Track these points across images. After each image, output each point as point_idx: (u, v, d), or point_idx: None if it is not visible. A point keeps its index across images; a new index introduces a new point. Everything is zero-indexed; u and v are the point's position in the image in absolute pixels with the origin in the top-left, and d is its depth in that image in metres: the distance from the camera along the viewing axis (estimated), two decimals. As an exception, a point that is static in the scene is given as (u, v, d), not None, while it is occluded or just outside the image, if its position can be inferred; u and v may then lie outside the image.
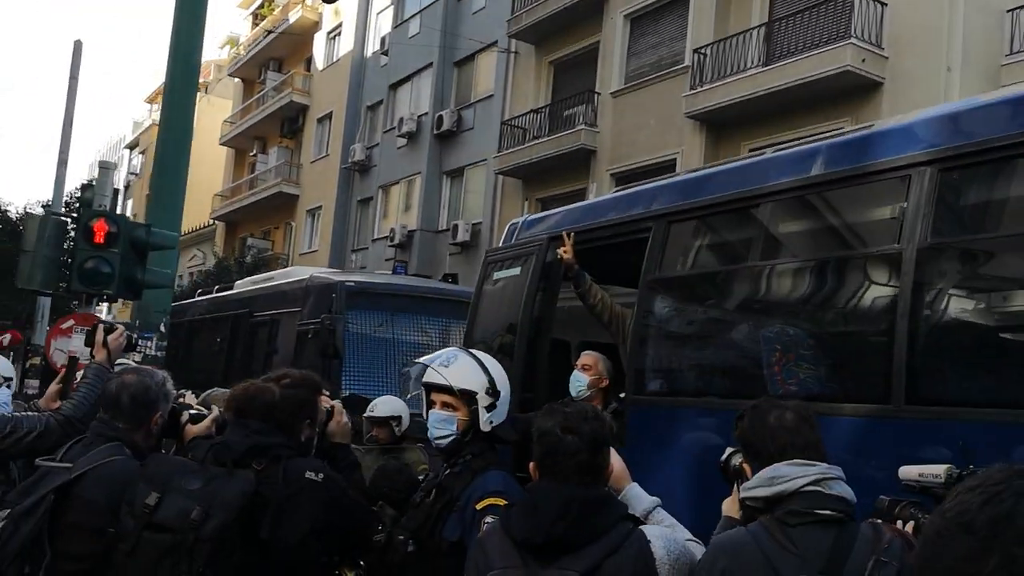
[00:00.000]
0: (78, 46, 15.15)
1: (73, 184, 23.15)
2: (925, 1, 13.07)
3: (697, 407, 4.31)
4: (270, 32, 34.65)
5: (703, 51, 15.41)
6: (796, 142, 5.16)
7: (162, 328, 8.35)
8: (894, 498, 2.34)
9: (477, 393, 2.90)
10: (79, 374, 3.68)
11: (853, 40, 12.97)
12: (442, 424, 2.93)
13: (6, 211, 24.73)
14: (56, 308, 17.07)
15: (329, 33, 31.72)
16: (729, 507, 2.48)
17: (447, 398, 2.93)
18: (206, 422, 3.43)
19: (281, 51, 34.89)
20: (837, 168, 3.86)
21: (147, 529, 2.63)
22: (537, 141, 19.15)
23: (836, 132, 5.40)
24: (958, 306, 3.48)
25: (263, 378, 3.21)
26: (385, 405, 6.07)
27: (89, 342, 3.65)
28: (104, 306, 36.51)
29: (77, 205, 11.06)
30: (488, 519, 2.60)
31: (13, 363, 17.51)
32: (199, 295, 14.48)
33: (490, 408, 2.90)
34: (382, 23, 28.14)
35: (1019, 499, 1.02)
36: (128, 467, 2.90)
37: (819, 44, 13.59)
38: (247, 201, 33.96)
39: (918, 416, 3.23)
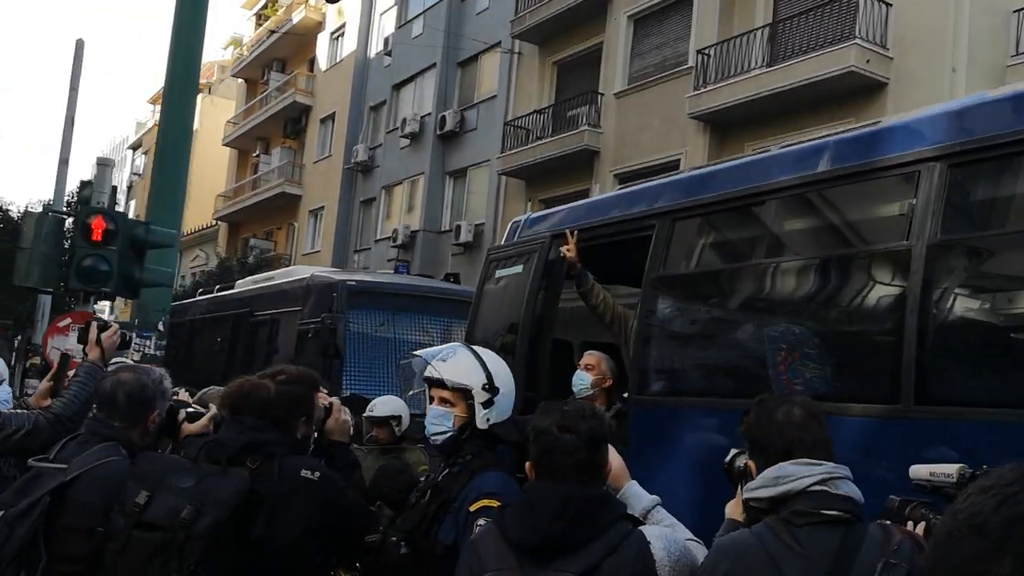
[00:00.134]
0: (80, 45, 15.14)
1: (75, 183, 23.10)
2: (930, 1, 13.02)
3: (701, 407, 4.26)
4: (273, 32, 34.69)
5: (707, 52, 15.36)
6: (800, 143, 5.10)
7: (161, 327, 8.30)
8: (904, 498, 2.27)
9: (473, 389, 2.83)
10: (72, 372, 3.63)
11: (858, 41, 12.92)
12: (438, 420, 2.86)
13: (7, 211, 24.69)
14: (57, 307, 17.02)
15: (332, 33, 31.74)
16: (733, 509, 2.42)
17: (444, 394, 2.87)
18: (203, 420, 3.38)
19: (284, 51, 34.93)
20: (845, 164, 3.80)
21: (137, 528, 2.57)
22: (540, 142, 19.13)
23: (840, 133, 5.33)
24: (969, 304, 3.42)
25: (259, 374, 3.16)
26: (385, 405, 6.01)
27: (82, 340, 3.60)
28: (106, 305, 36.59)
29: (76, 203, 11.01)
30: (481, 522, 2.54)
31: (15, 363, 17.45)
32: (200, 295, 14.46)
33: (487, 405, 2.82)
34: (385, 23, 28.16)
35: None
36: (124, 468, 2.85)
37: (823, 45, 13.54)
38: (250, 201, 34.02)
39: (928, 416, 3.16)
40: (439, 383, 2.87)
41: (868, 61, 12.92)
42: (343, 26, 30.84)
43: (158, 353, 8.11)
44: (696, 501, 3.72)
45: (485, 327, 5.76)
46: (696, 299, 4.73)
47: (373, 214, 26.56)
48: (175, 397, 3.53)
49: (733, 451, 2.47)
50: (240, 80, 39.05)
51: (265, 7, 39.56)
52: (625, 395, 4.60)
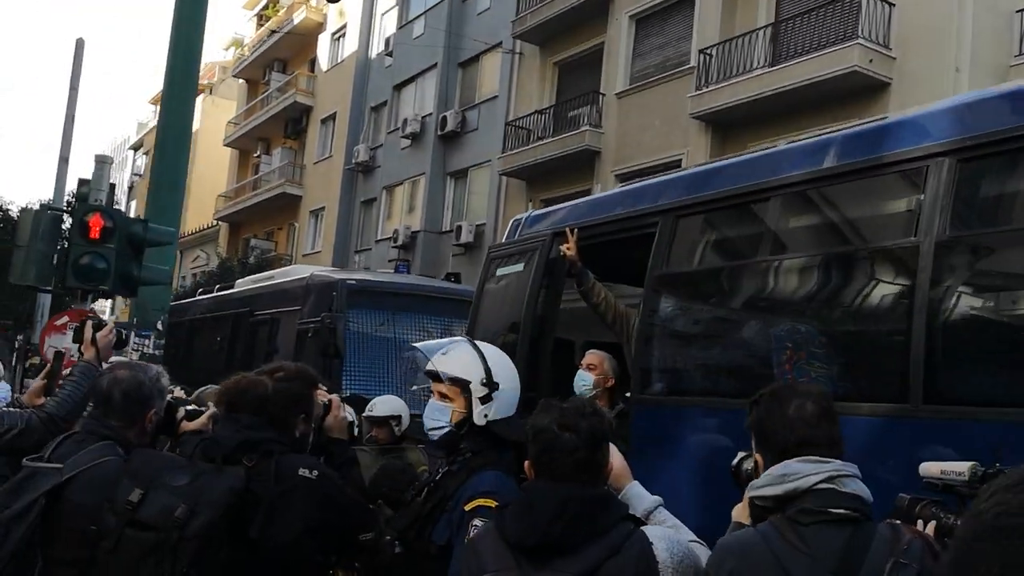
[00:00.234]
0: (80, 44, 15.07)
1: (75, 183, 23.06)
2: (933, 1, 12.96)
3: (704, 407, 4.20)
4: (274, 33, 34.69)
5: (709, 52, 15.32)
6: (805, 139, 5.05)
7: (159, 326, 8.26)
8: (914, 496, 2.21)
9: (470, 383, 2.76)
10: (67, 371, 3.58)
11: (860, 40, 12.87)
12: (436, 414, 2.80)
13: (7, 210, 24.66)
14: (56, 306, 16.99)
15: (333, 34, 31.74)
16: (740, 513, 2.35)
17: (444, 388, 2.81)
18: (202, 419, 3.34)
19: (285, 52, 34.92)
20: (851, 160, 3.75)
21: (129, 527, 2.52)
22: (541, 142, 19.09)
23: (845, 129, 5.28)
24: (978, 301, 3.37)
25: (256, 371, 3.12)
26: (384, 404, 5.96)
27: (77, 339, 3.55)
28: (107, 305, 36.57)
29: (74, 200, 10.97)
30: (476, 521, 2.47)
31: (16, 363, 17.36)
32: (200, 295, 14.43)
33: (485, 400, 2.75)
34: (386, 24, 28.15)
35: None
36: (121, 467, 2.79)
37: (826, 44, 13.50)
38: (251, 202, 34.03)
39: (937, 416, 3.11)
40: (437, 376, 2.81)
41: (871, 61, 12.87)
42: (344, 26, 30.84)
43: (157, 352, 8.06)
44: (699, 502, 3.67)
45: (486, 326, 5.71)
46: (700, 297, 4.68)
47: (374, 214, 26.53)
48: (171, 395, 3.48)
49: (741, 454, 2.40)
50: (241, 80, 39.07)
51: (266, 8, 39.56)
52: (628, 394, 4.55)
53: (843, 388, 3.62)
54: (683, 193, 4.69)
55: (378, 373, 8.64)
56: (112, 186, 7.66)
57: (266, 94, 35.31)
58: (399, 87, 26.15)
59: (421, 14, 25.27)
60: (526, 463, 2.24)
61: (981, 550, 0.97)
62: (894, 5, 13.16)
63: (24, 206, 23.05)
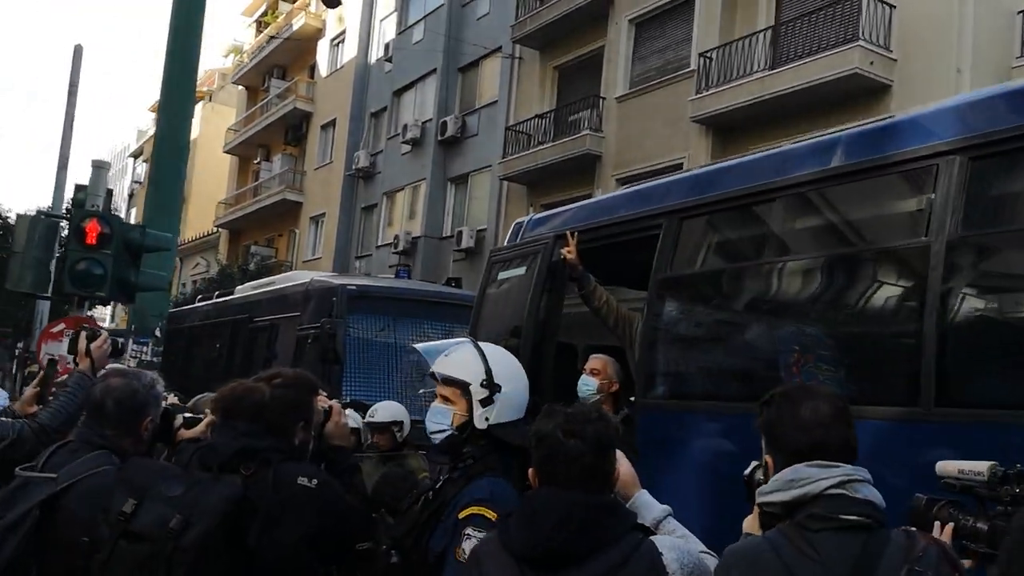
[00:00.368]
0: (78, 51, 15.06)
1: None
2: (934, 2, 12.92)
3: (710, 412, 4.13)
4: (273, 39, 34.71)
5: (709, 55, 15.29)
6: (811, 138, 4.99)
7: (157, 333, 8.19)
8: (931, 497, 2.13)
9: (470, 384, 2.68)
10: (62, 378, 3.53)
11: (861, 42, 12.82)
12: (437, 417, 2.72)
13: (7, 218, 24.64)
14: (56, 313, 16.96)
15: (333, 40, 31.74)
16: (751, 524, 2.27)
17: (446, 390, 2.73)
18: (200, 426, 3.28)
19: (285, 58, 34.94)
20: (859, 159, 3.69)
21: (123, 538, 2.45)
22: (542, 147, 19.07)
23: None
24: (991, 302, 3.30)
25: (254, 377, 3.05)
26: (385, 410, 5.91)
27: (72, 350, 3.50)
28: (108, 311, 36.51)
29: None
30: (469, 530, 2.39)
31: (16, 370, 17.31)
32: (199, 301, 14.38)
33: (486, 403, 2.67)
34: (386, 29, 28.16)
35: None
36: (116, 477, 2.73)
37: (826, 47, 13.46)
38: (251, 209, 34.03)
39: (950, 419, 3.04)
40: (442, 379, 2.74)
41: (872, 63, 12.83)
42: (343, 32, 30.85)
43: (155, 359, 8.00)
44: (706, 510, 3.60)
45: (487, 331, 5.64)
46: (705, 300, 4.61)
47: (374, 220, 26.51)
48: (165, 402, 3.41)
49: (753, 463, 2.31)
50: (240, 87, 39.10)
51: (265, 14, 39.61)
52: (632, 399, 4.49)
53: (852, 391, 3.55)
54: (687, 194, 4.64)
55: (378, 379, 8.58)
56: (109, 192, 7.60)
57: (266, 101, 35.32)
58: (399, 93, 26.13)
59: (420, 19, 25.27)
60: (530, 471, 2.18)
61: None
62: (894, 7, 13.12)
63: (24, 212, 23.05)
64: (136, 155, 54.72)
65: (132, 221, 33.28)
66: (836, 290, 3.91)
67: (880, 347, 3.64)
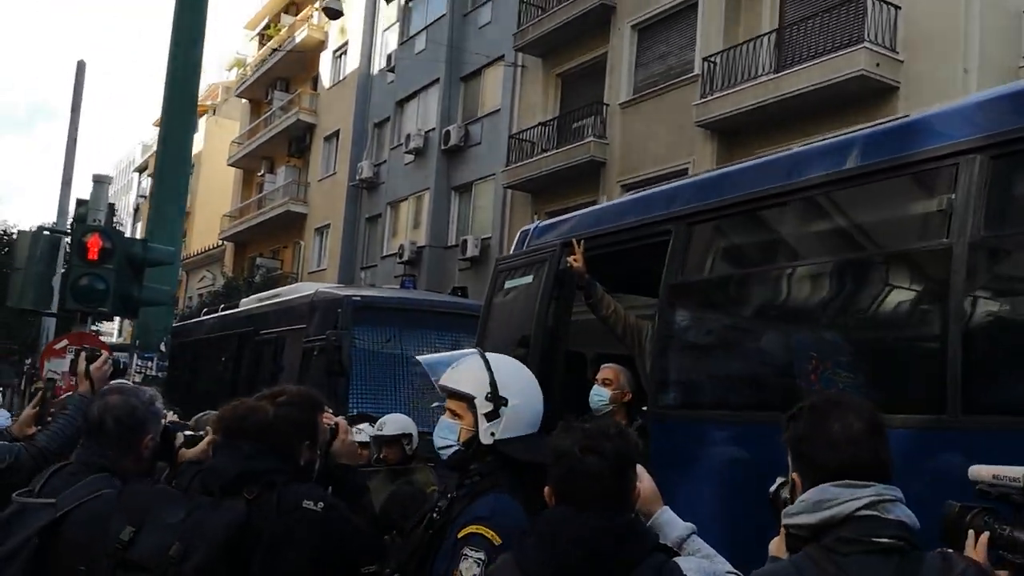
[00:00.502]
0: (81, 66, 15.04)
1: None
2: (940, 3, 12.83)
3: (724, 421, 4.02)
4: (276, 51, 34.77)
5: (713, 59, 15.21)
6: (825, 139, 4.88)
7: (162, 348, 8.11)
8: (964, 504, 2.01)
9: (475, 398, 2.58)
10: (61, 396, 3.45)
11: (867, 44, 12.73)
12: (444, 432, 2.63)
13: (12, 235, 24.65)
14: (62, 330, 16.92)
15: (335, 51, 31.78)
16: (777, 547, 2.14)
17: (453, 404, 2.63)
18: (202, 445, 3.18)
19: (287, 71, 35.00)
20: (875, 160, 3.58)
21: (120, 568, 2.35)
22: (546, 154, 19.02)
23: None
24: (1017, 304, 3.19)
25: (257, 396, 2.93)
26: (394, 423, 5.80)
27: (73, 371, 3.42)
28: (115, 325, 36.47)
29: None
30: (466, 550, 2.27)
31: (23, 387, 17.25)
32: (204, 314, 14.31)
33: (491, 417, 2.56)
34: (388, 40, 28.19)
35: None
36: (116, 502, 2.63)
37: (832, 49, 13.37)
38: (255, 221, 34.06)
39: (978, 426, 2.93)
40: (448, 392, 2.65)
41: (878, 64, 12.73)
42: (346, 44, 30.89)
43: (160, 374, 7.91)
44: (721, 525, 3.48)
45: (495, 341, 5.53)
46: (717, 306, 4.50)
47: (379, 231, 26.48)
48: (165, 420, 3.32)
49: (779, 480, 2.18)
50: (244, 100, 39.19)
51: (268, 27, 39.68)
52: (644, 408, 4.38)
53: (872, 398, 3.44)
54: (696, 199, 4.53)
55: (385, 391, 8.48)
56: (112, 206, 7.53)
57: (269, 113, 35.37)
58: (402, 103, 26.13)
59: (422, 29, 25.27)
60: (546, 489, 2.08)
61: None
62: (900, 7, 13.03)
63: (29, 228, 23.06)
64: (140, 169, 54.83)
65: (137, 236, 33.39)
66: (854, 294, 3.79)
67: (902, 353, 3.53)
